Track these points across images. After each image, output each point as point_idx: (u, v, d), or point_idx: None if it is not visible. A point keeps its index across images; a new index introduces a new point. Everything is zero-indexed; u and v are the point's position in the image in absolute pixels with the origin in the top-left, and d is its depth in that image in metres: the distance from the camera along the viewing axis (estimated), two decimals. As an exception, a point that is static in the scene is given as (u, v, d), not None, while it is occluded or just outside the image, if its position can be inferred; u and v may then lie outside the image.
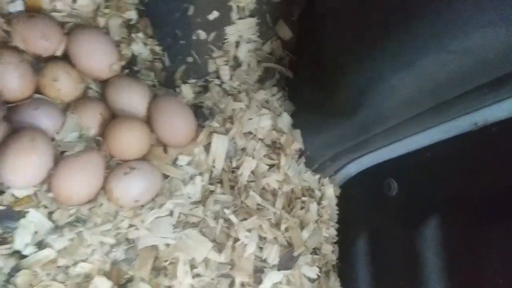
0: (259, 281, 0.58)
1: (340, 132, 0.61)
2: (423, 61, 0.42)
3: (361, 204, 0.69)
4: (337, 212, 0.70)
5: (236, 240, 0.58)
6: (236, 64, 0.72)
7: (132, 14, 0.67)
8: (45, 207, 0.54)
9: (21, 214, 0.53)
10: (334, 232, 0.69)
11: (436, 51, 0.40)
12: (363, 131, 0.58)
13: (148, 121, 0.61)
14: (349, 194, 0.71)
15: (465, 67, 0.41)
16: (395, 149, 0.61)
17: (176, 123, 0.60)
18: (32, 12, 0.59)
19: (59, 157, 0.55)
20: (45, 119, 0.56)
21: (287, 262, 0.60)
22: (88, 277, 0.53)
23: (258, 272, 0.58)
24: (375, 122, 0.55)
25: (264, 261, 0.59)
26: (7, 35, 0.57)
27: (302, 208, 0.66)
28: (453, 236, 0.52)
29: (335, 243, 0.69)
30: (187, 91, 0.68)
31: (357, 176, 0.69)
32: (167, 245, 0.55)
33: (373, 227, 0.65)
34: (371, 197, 0.66)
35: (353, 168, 0.69)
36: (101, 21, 0.64)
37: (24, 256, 0.52)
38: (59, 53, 0.60)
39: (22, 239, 0.52)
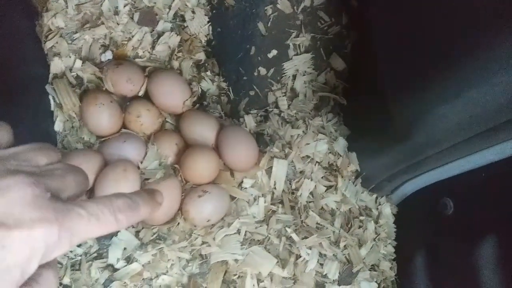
0: (320, 295, 0.59)
1: (394, 154, 0.61)
2: (468, 92, 0.43)
3: (419, 222, 0.67)
4: (395, 230, 0.70)
5: (298, 256, 0.60)
6: (293, 94, 0.74)
7: (201, 56, 0.72)
8: (133, 226, 0.58)
9: (114, 233, 0.57)
10: (392, 250, 0.68)
11: (480, 84, 0.42)
12: (416, 154, 0.59)
13: (217, 148, 0.64)
14: (406, 212, 0.70)
15: (509, 97, 0.42)
16: (449, 169, 0.59)
17: (241, 150, 0.63)
18: (119, 60, 0.65)
19: (143, 183, 0.59)
20: (131, 150, 0.61)
21: (346, 277, 0.61)
22: (168, 288, 0.56)
23: (319, 287, 0.59)
24: (428, 146, 0.55)
25: (325, 276, 0.60)
26: (100, 80, 0.64)
27: (360, 227, 0.66)
28: (510, 254, 0.51)
29: (393, 260, 0.68)
30: (250, 120, 0.71)
31: (413, 195, 0.68)
32: (236, 260, 0.57)
33: (430, 244, 0.63)
34: (428, 216, 0.64)
35: (409, 187, 0.68)
36: (175, 63, 0.69)
37: (116, 269, 0.56)
38: (141, 93, 0.65)
39: (114, 254, 0.57)
